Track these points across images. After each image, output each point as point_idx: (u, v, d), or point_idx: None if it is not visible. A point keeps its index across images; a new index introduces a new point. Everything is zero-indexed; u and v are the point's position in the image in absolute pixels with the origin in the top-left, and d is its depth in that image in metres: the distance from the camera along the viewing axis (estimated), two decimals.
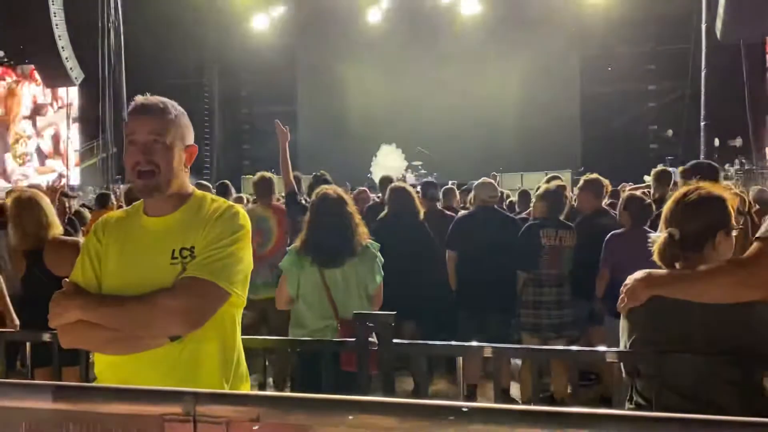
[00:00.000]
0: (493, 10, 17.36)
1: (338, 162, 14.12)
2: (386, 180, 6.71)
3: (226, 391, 1.67)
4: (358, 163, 15.96)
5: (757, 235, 1.84)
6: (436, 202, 6.10)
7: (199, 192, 1.89)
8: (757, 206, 5.63)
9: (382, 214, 5.30)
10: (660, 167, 6.79)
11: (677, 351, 1.95)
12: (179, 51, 17.37)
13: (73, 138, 18.23)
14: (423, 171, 15.39)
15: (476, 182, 5.42)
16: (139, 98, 1.80)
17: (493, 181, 5.45)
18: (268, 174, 5.61)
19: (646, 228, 4.57)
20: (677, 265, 1.99)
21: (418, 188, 6.38)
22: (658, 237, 2.04)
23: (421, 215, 5.15)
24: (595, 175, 5.40)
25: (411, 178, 14.72)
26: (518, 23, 17.01)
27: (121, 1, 17.02)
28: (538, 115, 16.99)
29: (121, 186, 14.73)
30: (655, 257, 2.01)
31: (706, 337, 1.91)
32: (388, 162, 15.73)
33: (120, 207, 6.20)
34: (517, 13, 17.02)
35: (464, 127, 17.22)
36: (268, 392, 0.98)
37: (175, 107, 1.80)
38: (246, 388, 1.89)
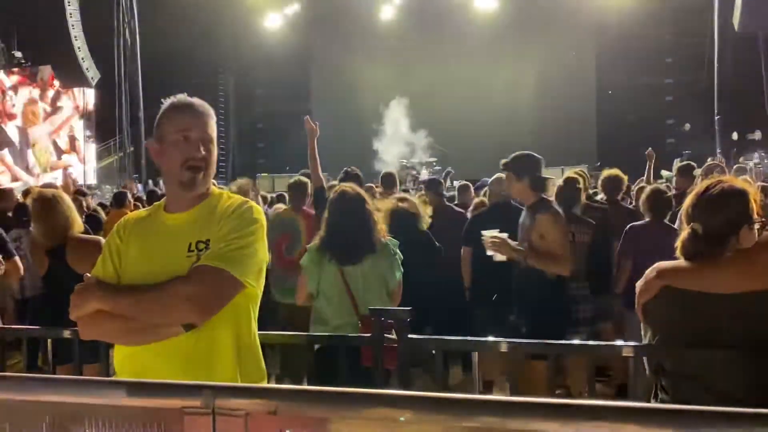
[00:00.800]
0: (508, 6, 17.28)
1: (352, 160, 14.12)
2: (390, 177, 6.39)
3: (245, 384, 1.69)
4: (369, 159, 15.96)
5: (766, 228, 1.83)
6: (442, 197, 6.06)
7: (216, 190, 1.96)
8: None
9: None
10: (684, 161, 6.72)
11: (704, 345, 1.94)
12: (194, 50, 17.47)
13: (87, 137, 18.40)
14: (437, 167, 15.36)
15: (490, 179, 5.41)
16: (183, 97, 1.90)
17: (502, 175, 5.39)
18: (303, 178, 5.42)
19: (666, 221, 4.56)
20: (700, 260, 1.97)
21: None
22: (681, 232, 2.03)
23: (424, 225, 4.85)
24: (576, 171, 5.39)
25: (425, 174, 14.70)
26: (533, 18, 16.92)
27: (136, 1, 17.15)
28: (554, 110, 16.90)
29: (138, 185, 14.88)
30: (678, 252, 2.00)
31: (736, 329, 1.90)
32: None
33: (137, 206, 6.26)
34: (531, 9, 16.93)
35: (479, 123, 17.16)
36: (287, 385, 0.99)
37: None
38: (263, 382, 1.91)
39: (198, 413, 1.03)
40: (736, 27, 13.43)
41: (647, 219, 4.62)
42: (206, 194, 1.90)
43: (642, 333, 2.13)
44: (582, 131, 17.49)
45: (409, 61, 17.75)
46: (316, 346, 2.87)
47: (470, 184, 7.65)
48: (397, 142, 16.15)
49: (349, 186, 3.52)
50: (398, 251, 3.42)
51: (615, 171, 5.62)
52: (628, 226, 4.67)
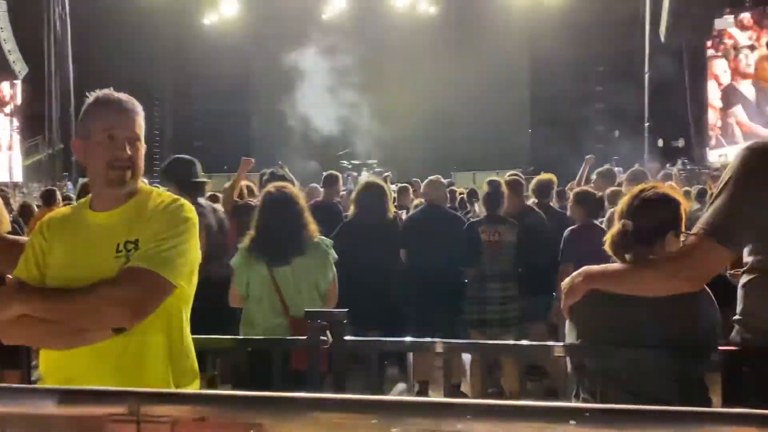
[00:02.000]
0: (447, 12, 17.51)
1: (291, 160, 14.00)
2: (333, 178, 6.38)
3: (172, 390, 1.65)
4: (310, 159, 15.88)
5: (692, 230, 1.91)
6: (393, 201, 6.13)
7: (146, 187, 1.89)
8: (698, 204, 5.86)
9: (349, 214, 5.05)
10: (605, 167, 7.00)
11: (627, 347, 2.00)
12: (130, 45, 16.94)
13: (14, 133, 17.58)
14: (378, 169, 15.42)
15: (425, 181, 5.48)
16: (108, 92, 1.82)
17: (436, 178, 5.47)
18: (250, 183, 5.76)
19: (597, 223, 4.69)
20: (627, 257, 2.05)
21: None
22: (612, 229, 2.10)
23: (390, 213, 4.98)
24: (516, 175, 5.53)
25: (365, 175, 14.73)
26: (471, 24, 17.20)
27: None
28: (490, 114, 17.22)
29: (68, 183, 14.30)
30: (607, 247, 2.07)
31: (657, 332, 1.97)
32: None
33: (67, 204, 6.04)
34: (469, 15, 17.21)
35: (419, 126, 17.32)
36: (216, 391, 0.96)
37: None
38: (195, 386, 1.86)
39: (122, 421, 1.00)
40: (662, 38, 14.02)
41: (583, 222, 4.72)
42: (135, 192, 1.83)
43: (566, 332, 2.19)
44: (517, 136, 17.90)
45: (348, 62, 17.73)
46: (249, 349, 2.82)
47: (409, 186, 7.72)
48: (337, 142, 16.13)
49: (278, 186, 3.47)
50: (332, 250, 3.39)
51: (547, 175, 5.78)
52: (567, 230, 4.76)
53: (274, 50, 18.31)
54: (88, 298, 1.62)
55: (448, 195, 6.17)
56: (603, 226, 4.80)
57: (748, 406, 1.54)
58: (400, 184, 8.39)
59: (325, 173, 6.32)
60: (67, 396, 1.06)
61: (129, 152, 1.76)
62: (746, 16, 14.06)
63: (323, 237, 3.41)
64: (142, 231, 1.73)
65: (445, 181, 5.84)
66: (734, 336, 1.99)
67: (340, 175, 6.29)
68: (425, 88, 17.71)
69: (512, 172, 6.66)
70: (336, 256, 3.41)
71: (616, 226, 2.05)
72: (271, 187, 3.46)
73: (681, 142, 15.17)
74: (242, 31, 18.49)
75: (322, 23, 18.14)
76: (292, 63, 18.26)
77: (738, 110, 14.01)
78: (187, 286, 1.77)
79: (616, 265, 2.03)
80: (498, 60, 17.54)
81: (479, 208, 5.30)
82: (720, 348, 2.00)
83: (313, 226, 3.36)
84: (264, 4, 17.98)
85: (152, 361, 1.73)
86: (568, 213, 5.07)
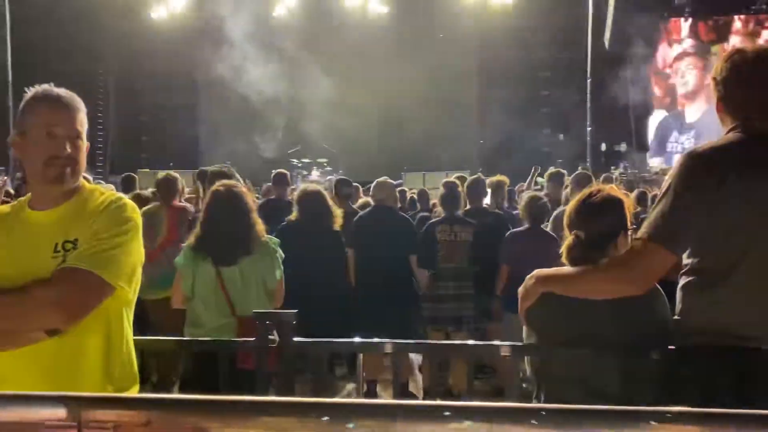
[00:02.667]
0: (398, 12, 17.57)
1: (239, 157, 13.83)
2: (282, 176, 6.36)
3: (115, 394, 1.60)
4: (259, 157, 15.72)
5: (636, 236, 1.97)
6: (350, 200, 6.16)
7: (88, 185, 1.83)
8: (639, 208, 6.05)
9: (291, 217, 4.90)
10: (553, 169, 7.18)
11: (581, 348, 2.05)
12: (73, 38, 16.39)
13: None
14: (328, 168, 15.38)
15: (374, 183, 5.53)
16: (48, 88, 1.75)
17: (385, 180, 5.52)
18: (173, 174, 5.50)
19: (543, 227, 4.85)
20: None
21: (326, 184, 6.36)
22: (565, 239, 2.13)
23: (338, 223, 4.77)
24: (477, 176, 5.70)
25: (316, 174, 14.69)
26: (422, 26, 17.31)
27: None
28: (440, 116, 17.37)
29: (6, 178, 13.73)
30: (564, 258, 2.11)
31: (610, 333, 2.01)
32: None
33: (6, 201, 5.87)
34: (421, 16, 17.32)
35: (369, 126, 17.34)
36: (160, 395, 0.94)
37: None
38: (135, 391, 1.81)
39: (61, 427, 0.96)
40: (606, 45, 14.41)
41: (526, 225, 4.86)
42: (76, 190, 1.77)
43: (524, 335, 2.22)
44: (466, 138, 18.12)
45: (299, 60, 17.60)
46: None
47: (359, 186, 7.72)
48: (286, 141, 16.01)
49: (225, 184, 3.44)
50: (279, 249, 3.38)
51: (500, 177, 5.91)
52: (508, 233, 4.90)
53: (222, 47, 18.02)
54: (21, 299, 1.57)
55: (398, 195, 6.22)
56: (548, 229, 4.96)
57: (686, 404, 1.59)
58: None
59: (274, 171, 6.28)
60: (2, 400, 1.02)
61: (69, 150, 1.70)
62: (686, 26, 14.61)
63: (270, 236, 3.40)
64: (81, 230, 1.68)
65: (393, 182, 5.90)
66: (673, 335, 2.06)
67: (288, 173, 6.25)
68: (376, 88, 17.73)
69: (458, 173, 6.79)
70: (283, 255, 3.40)
71: (569, 237, 2.09)
72: (219, 185, 3.42)
73: (623, 146, 15.63)
74: (190, 26, 18.13)
75: (272, 21, 17.95)
76: (240, 60, 18.03)
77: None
78: (128, 287, 1.72)
79: (566, 269, 2.07)
80: (448, 61, 17.70)
81: (438, 209, 5.40)
82: (662, 346, 2.06)
83: (260, 226, 3.34)
84: (212, 1, 17.67)
85: (88, 364, 1.68)
86: (519, 215, 5.18)
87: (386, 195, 5.30)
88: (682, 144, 14.08)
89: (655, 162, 14.36)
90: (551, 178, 6.87)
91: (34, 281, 1.59)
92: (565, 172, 7.32)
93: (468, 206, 5.38)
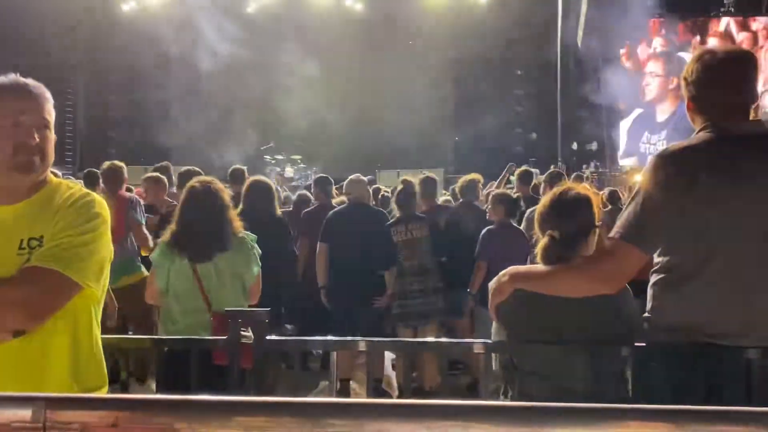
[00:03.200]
0: (373, 10, 17.54)
1: (211, 154, 13.70)
2: (239, 172, 6.25)
3: (81, 395, 1.57)
4: (231, 154, 15.57)
5: (609, 234, 1.99)
6: (331, 198, 6.19)
7: (55, 179, 1.77)
8: (610, 206, 6.13)
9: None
10: (523, 168, 7.27)
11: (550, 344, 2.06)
12: (41, 31, 16.05)
13: None
14: (302, 165, 15.31)
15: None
16: (14, 77, 1.70)
17: (359, 177, 5.55)
18: (117, 163, 5.48)
19: (513, 223, 4.96)
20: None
21: (301, 181, 6.37)
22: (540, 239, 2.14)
23: (278, 210, 5.11)
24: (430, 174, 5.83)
25: (290, 171, 14.62)
26: (397, 23, 17.32)
27: None
28: (415, 115, 17.38)
29: None
30: (539, 259, 2.12)
31: (580, 330, 2.03)
32: None
33: None
34: (395, 14, 17.31)
35: (343, 124, 17.27)
36: (128, 395, 0.92)
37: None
38: (104, 391, 1.77)
39: (26, 428, 0.93)
40: (579, 45, 14.57)
41: (498, 223, 4.95)
42: (42, 184, 1.71)
43: (493, 331, 2.24)
44: (440, 136, 18.17)
45: (273, 56, 17.47)
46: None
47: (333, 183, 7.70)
48: (260, 137, 15.89)
49: (202, 180, 3.41)
50: (256, 246, 3.36)
51: (473, 175, 5.98)
52: (484, 230, 4.96)
53: (195, 42, 17.81)
54: None
55: (371, 193, 6.25)
56: (521, 226, 5.04)
57: (655, 401, 1.62)
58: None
59: (230, 168, 6.21)
60: None
61: (37, 139, 1.64)
62: (659, 26, 14.83)
63: (248, 233, 3.37)
64: (47, 227, 1.62)
65: (366, 178, 5.92)
66: (644, 332, 2.09)
67: (245, 170, 6.18)
68: (350, 85, 17.69)
69: (431, 171, 6.83)
70: (260, 251, 3.38)
71: (544, 238, 2.10)
72: (194, 181, 3.39)
73: (594, 145, 15.81)
74: (162, 20, 17.86)
75: (246, 16, 17.79)
76: (213, 56, 17.84)
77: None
78: (96, 285, 1.67)
79: (540, 267, 2.09)
80: (423, 60, 17.74)
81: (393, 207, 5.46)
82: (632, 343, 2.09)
83: (237, 222, 3.32)
84: None
85: (55, 364, 1.63)
86: (487, 213, 5.24)
87: (360, 192, 5.33)
88: (654, 145, 14.28)
89: (627, 162, 14.54)
90: (520, 177, 6.97)
91: None
92: (534, 171, 7.40)
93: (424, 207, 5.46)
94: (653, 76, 14.49)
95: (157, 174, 5.62)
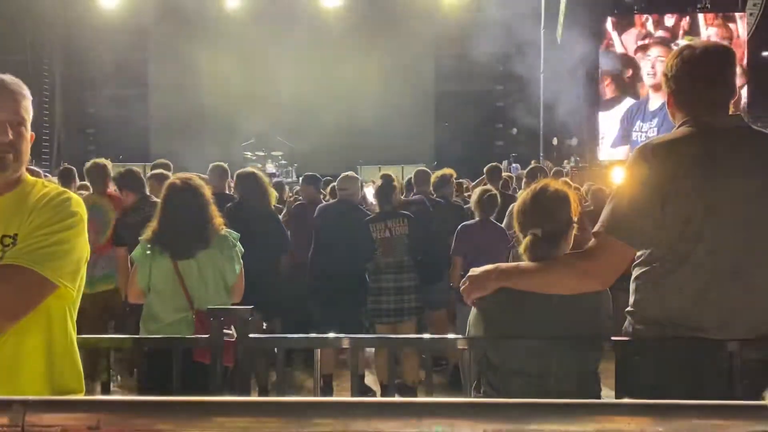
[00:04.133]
0: (354, 5, 17.49)
1: (191, 149, 13.59)
2: (220, 168, 6.15)
3: (61, 397, 1.54)
4: (212, 150, 15.45)
5: (593, 230, 2.00)
6: (320, 195, 6.20)
7: (30, 178, 1.73)
8: (588, 201, 6.18)
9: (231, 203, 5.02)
10: (492, 164, 7.33)
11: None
12: (16, 25, 15.78)
13: None
14: (283, 162, 15.24)
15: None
16: None
17: (353, 174, 5.55)
18: (102, 160, 5.33)
19: (492, 219, 4.99)
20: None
21: (281, 177, 6.38)
22: (523, 238, 2.14)
23: (272, 202, 5.11)
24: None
25: (271, 167, 14.53)
26: (377, 18, 17.28)
27: None
28: (395, 110, 17.39)
29: None
30: (524, 257, 2.11)
31: (559, 327, 2.04)
32: None
33: None
34: (376, 10, 17.28)
35: (324, 120, 17.22)
36: (108, 396, 0.90)
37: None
38: (80, 391, 1.74)
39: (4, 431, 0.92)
40: (558, 40, 14.66)
41: (477, 218, 4.99)
42: (17, 182, 1.67)
43: (469, 322, 2.22)
44: (421, 131, 18.20)
45: (253, 51, 17.36)
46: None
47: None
48: (240, 133, 15.78)
49: (182, 177, 3.38)
50: (238, 243, 3.34)
51: (446, 170, 6.03)
52: (460, 226, 5.00)
53: (173, 37, 17.64)
54: None
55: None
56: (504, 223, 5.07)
57: (640, 394, 1.63)
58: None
59: (211, 165, 6.17)
60: None
61: (11, 136, 1.61)
62: (632, 24, 14.97)
63: (230, 231, 3.35)
64: (22, 225, 1.59)
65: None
66: (626, 326, 2.10)
67: (225, 165, 6.13)
68: (331, 81, 17.64)
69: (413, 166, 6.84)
70: (242, 249, 3.36)
71: (527, 237, 2.10)
72: (175, 178, 3.36)
73: (574, 141, 15.92)
74: (140, 15, 17.66)
75: (226, 12, 17.65)
76: (192, 51, 17.67)
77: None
78: (72, 285, 1.63)
79: (527, 264, 2.08)
80: (404, 55, 17.75)
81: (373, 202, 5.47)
82: (613, 338, 2.10)
83: (219, 219, 3.30)
84: None
85: (28, 366, 1.60)
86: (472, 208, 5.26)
87: (354, 189, 5.34)
88: (645, 133, 14.42)
89: (620, 151, 14.68)
90: (488, 172, 7.01)
91: None
92: (515, 165, 7.45)
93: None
94: (654, 64, 14.56)
95: (161, 171, 5.51)
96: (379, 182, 5.21)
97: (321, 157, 15.12)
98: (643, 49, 14.81)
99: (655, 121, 14.45)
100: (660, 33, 14.76)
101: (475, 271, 2.10)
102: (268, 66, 17.39)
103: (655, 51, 14.66)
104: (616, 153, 14.67)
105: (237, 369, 2.39)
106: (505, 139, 17.85)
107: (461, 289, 2.13)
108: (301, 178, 6.75)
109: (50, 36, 17.84)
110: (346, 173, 5.44)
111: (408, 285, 4.95)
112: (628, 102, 15.00)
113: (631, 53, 14.93)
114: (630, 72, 14.93)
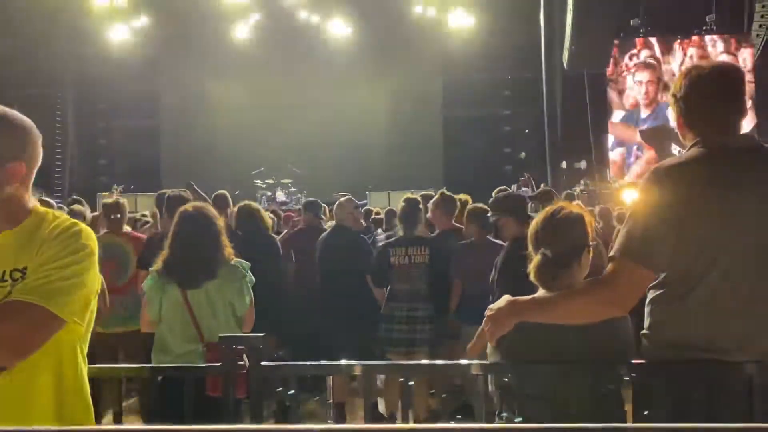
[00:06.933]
0: (362, 33, 17.69)
1: (201, 179, 13.67)
2: (222, 198, 6.10)
3: (71, 427, 1.51)
4: (224, 180, 15.53)
5: (610, 255, 1.97)
6: (320, 220, 6.20)
7: (41, 209, 1.70)
8: (601, 223, 6.15)
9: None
10: (501, 188, 7.29)
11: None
12: (30, 59, 16.04)
13: None
14: (293, 189, 15.30)
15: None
16: None
17: (348, 199, 5.53)
18: (121, 199, 5.23)
19: (491, 238, 4.78)
20: (553, 283, 2.06)
21: (292, 204, 6.44)
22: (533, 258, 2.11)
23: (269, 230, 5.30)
24: (448, 194, 5.44)
25: (281, 195, 14.60)
26: (385, 46, 17.45)
27: None
28: (404, 135, 17.50)
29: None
30: (532, 278, 2.09)
31: (578, 355, 2.00)
32: None
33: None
34: (384, 37, 17.46)
35: (334, 146, 17.34)
36: (122, 426, 0.89)
37: None
38: (89, 421, 1.71)
39: None
40: (565, 64, 14.73)
41: (472, 238, 4.82)
42: (24, 214, 1.64)
43: (488, 352, 2.20)
44: (430, 157, 18.25)
45: (263, 81, 17.55)
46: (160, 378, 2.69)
47: (326, 207, 7.71)
48: (250, 162, 15.87)
49: (193, 206, 3.37)
50: (249, 273, 3.31)
51: (463, 196, 5.93)
52: (458, 245, 4.89)
53: (183, 67, 17.88)
54: None
55: (362, 214, 6.27)
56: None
57: (657, 417, 1.60)
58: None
59: (214, 194, 6.17)
60: None
61: None
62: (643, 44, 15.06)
63: (241, 261, 3.32)
64: (31, 258, 1.56)
65: (357, 201, 5.95)
66: (642, 349, 2.07)
67: (228, 195, 6.13)
68: (339, 107, 17.77)
69: (422, 192, 6.78)
70: (253, 279, 3.33)
71: (537, 256, 2.08)
72: (188, 206, 3.36)
73: (583, 164, 15.89)
74: (151, 46, 17.93)
75: (235, 42, 17.88)
76: (203, 81, 17.90)
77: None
78: (81, 320, 1.60)
79: (543, 296, 2.05)
80: (411, 81, 17.90)
81: (383, 230, 5.42)
82: (630, 361, 2.06)
83: (229, 249, 3.27)
84: (174, 20, 17.53)
85: (38, 402, 1.58)
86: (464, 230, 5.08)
87: (345, 215, 5.33)
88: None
89: (617, 150, 14.92)
90: (540, 196, 6.95)
91: None
92: (526, 191, 7.43)
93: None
94: (649, 84, 14.84)
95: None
96: (403, 205, 4.97)
97: (331, 183, 15.16)
98: (641, 68, 14.99)
99: (646, 125, 14.80)
100: (661, 55, 14.89)
101: (492, 309, 2.07)
102: (277, 94, 17.56)
103: (643, 73, 14.89)
104: (613, 155, 14.90)
105: (251, 398, 2.36)
106: (514, 163, 17.86)
107: (486, 329, 2.09)
108: (302, 205, 6.79)
109: (63, 69, 18.11)
110: (340, 200, 5.47)
111: (421, 315, 4.76)
112: (621, 113, 15.28)
113: (633, 75, 15.04)
114: (633, 96, 15.06)
